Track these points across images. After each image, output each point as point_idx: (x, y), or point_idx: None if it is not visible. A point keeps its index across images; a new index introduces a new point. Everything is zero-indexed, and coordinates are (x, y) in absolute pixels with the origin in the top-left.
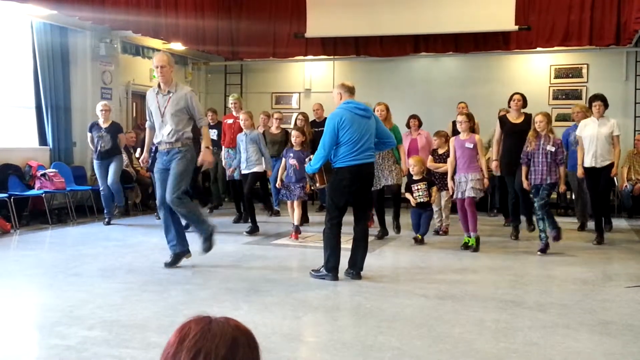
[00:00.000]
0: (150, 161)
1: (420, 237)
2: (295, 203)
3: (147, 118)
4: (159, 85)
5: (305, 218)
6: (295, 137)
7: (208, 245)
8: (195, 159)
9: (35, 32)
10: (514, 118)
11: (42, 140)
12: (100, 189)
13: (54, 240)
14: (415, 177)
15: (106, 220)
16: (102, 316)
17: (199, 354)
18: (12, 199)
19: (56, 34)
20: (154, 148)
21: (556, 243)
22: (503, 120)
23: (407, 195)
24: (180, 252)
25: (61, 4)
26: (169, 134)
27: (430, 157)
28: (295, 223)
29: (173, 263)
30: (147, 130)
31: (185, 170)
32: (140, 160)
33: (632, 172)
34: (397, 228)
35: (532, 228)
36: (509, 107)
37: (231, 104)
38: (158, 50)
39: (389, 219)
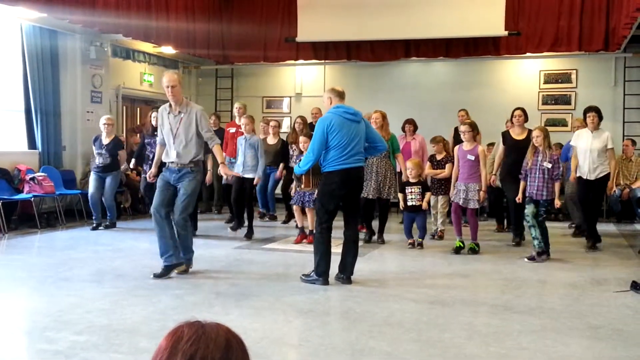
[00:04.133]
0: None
1: (420, 240)
2: (307, 209)
3: (159, 134)
4: (170, 105)
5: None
6: (302, 143)
7: (168, 270)
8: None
9: (25, 35)
10: (516, 134)
11: (31, 144)
12: (90, 195)
13: (42, 245)
14: (412, 180)
15: (94, 225)
16: (91, 321)
17: (194, 357)
18: (0, 203)
19: (46, 37)
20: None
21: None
22: (505, 135)
23: (400, 196)
24: (177, 263)
25: (51, 6)
26: (180, 155)
27: (428, 163)
28: (310, 227)
29: (161, 275)
30: (158, 146)
31: (194, 191)
32: (148, 175)
33: (621, 177)
34: (381, 239)
35: (517, 241)
36: (511, 122)
37: (236, 109)
38: (148, 54)
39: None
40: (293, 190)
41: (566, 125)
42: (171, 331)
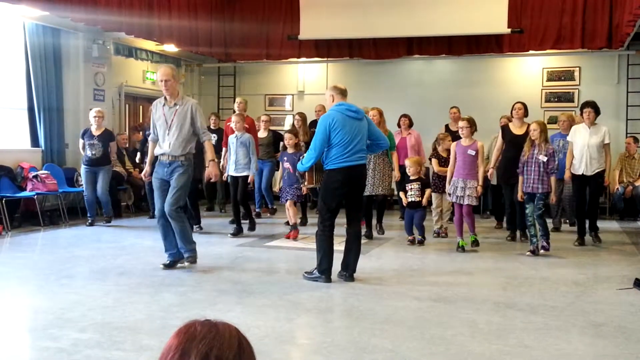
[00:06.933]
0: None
1: (420, 238)
2: (288, 203)
3: (151, 131)
4: (165, 97)
5: (305, 220)
6: (287, 140)
7: (174, 263)
8: (196, 173)
9: (28, 34)
10: (516, 128)
11: (34, 142)
12: (84, 193)
13: (45, 242)
14: (411, 177)
15: (89, 222)
16: (94, 318)
17: (209, 354)
18: (3, 201)
19: (49, 35)
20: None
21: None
22: (505, 130)
23: (401, 194)
24: (179, 258)
25: (54, 5)
26: (173, 146)
27: (435, 160)
28: (291, 222)
29: (170, 266)
30: (150, 143)
31: (186, 184)
32: (142, 175)
33: (624, 175)
34: (381, 230)
35: (512, 235)
36: (511, 116)
37: (237, 103)
38: (151, 51)
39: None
40: (277, 187)
41: None
42: (181, 329)
